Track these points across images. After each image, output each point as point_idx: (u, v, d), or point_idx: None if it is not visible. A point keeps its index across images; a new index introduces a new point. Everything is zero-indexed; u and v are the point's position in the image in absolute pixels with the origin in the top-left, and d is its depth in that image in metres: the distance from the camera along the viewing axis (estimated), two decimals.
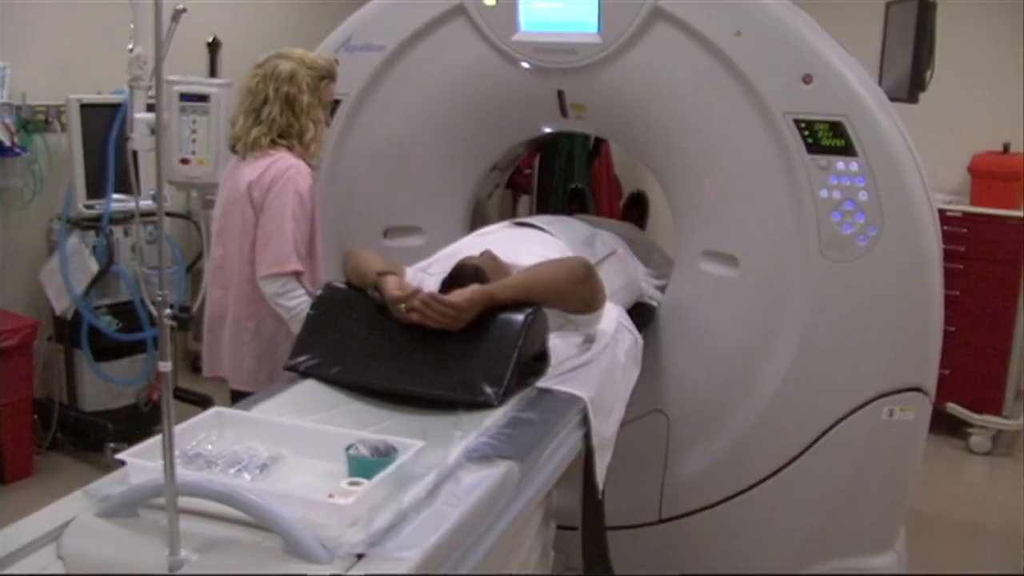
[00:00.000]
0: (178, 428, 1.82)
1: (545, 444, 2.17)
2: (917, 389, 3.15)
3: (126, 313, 4.55)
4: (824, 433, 3.20)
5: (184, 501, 1.58)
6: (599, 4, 3.22)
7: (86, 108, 4.43)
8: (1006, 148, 5.09)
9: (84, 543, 1.66)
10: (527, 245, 2.90)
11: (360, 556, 1.58)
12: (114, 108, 4.42)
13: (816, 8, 3.29)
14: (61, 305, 4.49)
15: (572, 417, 2.36)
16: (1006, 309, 4.88)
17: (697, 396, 3.36)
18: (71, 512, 1.72)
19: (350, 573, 1.54)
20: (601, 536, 2.72)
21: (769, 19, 3.08)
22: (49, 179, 4.56)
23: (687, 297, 3.38)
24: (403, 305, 2.39)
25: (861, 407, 3.15)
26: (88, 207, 4.47)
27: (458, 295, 2.38)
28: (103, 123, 4.42)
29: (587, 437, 2.42)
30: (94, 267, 4.45)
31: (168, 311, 1.55)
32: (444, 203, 3.65)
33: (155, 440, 1.75)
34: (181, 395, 4.53)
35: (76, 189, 4.45)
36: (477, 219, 3.81)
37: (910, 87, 3.43)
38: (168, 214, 4.78)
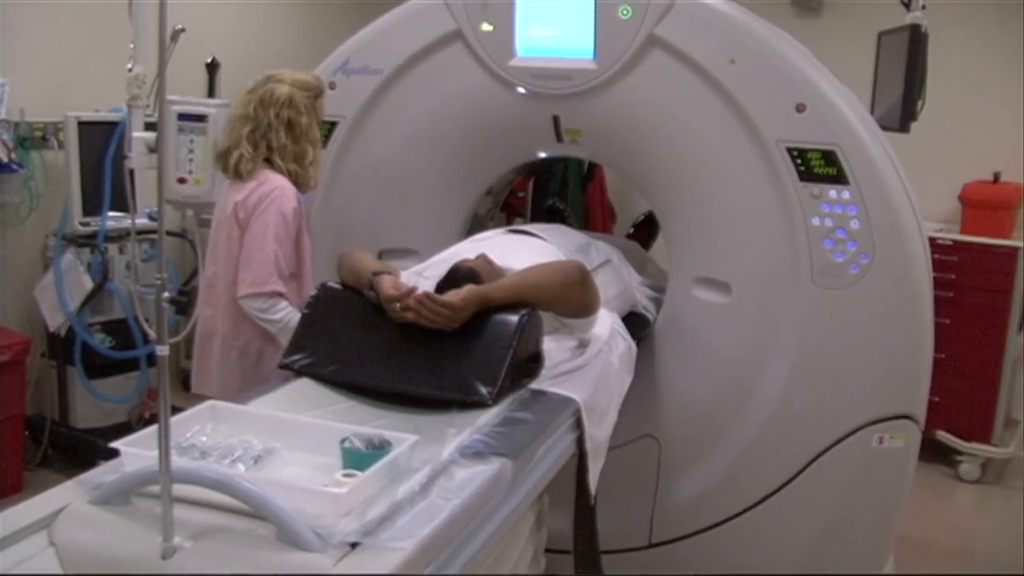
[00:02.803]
0: (173, 420, 1.81)
1: (538, 443, 2.18)
2: (907, 417, 3.16)
3: (119, 331, 4.57)
4: (814, 460, 3.20)
5: (178, 489, 1.57)
6: (595, 31, 3.24)
7: (84, 125, 4.47)
8: (996, 177, 5.11)
9: (76, 530, 1.65)
10: (522, 251, 2.90)
11: (354, 545, 1.58)
12: (111, 126, 4.44)
13: (809, 37, 3.34)
14: (55, 322, 4.48)
15: (565, 419, 2.36)
16: (996, 337, 4.88)
17: (688, 422, 3.36)
18: (64, 500, 1.72)
19: (343, 563, 1.54)
20: (593, 541, 2.71)
21: (763, 48, 3.11)
22: (45, 196, 4.57)
23: (679, 323, 3.39)
24: (398, 304, 2.39)
25: (851, 434, 3.16)
26: (84, 224, 4.49)
27: (453, 295, 2.38)
28: (100, 141, 4.45)
29: (580, 440, 2.42)
30: (88, 284, 4.46)
31: (166, 295, 1.56)
32: (439, 226, 3.65)
33: (150, 430, 1.76)
34: (172, 412, 4.51)
35: (72, 206, 4.47)
36: None
37: (902, 116, 3.45)
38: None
